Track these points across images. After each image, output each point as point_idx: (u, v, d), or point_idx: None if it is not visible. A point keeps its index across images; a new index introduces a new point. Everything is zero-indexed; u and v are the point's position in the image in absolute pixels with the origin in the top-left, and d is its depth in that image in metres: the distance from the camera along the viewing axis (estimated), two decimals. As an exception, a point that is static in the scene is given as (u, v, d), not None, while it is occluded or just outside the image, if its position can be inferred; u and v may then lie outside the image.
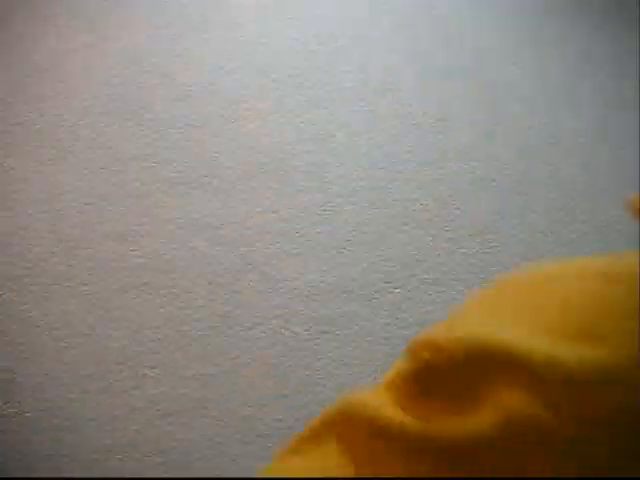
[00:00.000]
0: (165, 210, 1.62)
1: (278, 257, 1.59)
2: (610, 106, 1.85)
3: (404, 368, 0.47)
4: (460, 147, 1.78)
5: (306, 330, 1.53)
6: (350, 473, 0.48)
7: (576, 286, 0.50)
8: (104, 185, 1.59)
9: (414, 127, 1.76)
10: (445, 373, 0.45)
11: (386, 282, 1.72)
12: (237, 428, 1.46)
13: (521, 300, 0.49)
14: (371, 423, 0.48)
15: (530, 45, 1.82)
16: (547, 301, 0.49)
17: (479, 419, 0.42)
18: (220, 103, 1.66)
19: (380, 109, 1.75)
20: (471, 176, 1.78)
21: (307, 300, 1.50)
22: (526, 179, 1.80)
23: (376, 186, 1.73)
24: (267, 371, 1.50)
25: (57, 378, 1.52)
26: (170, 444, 1.45)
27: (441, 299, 1.75)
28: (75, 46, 1.60)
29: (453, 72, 1.78)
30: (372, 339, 1.61)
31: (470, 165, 1.78)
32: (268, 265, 1.58)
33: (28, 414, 1.54)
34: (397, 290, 1.72)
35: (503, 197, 1.79)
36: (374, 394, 0.50)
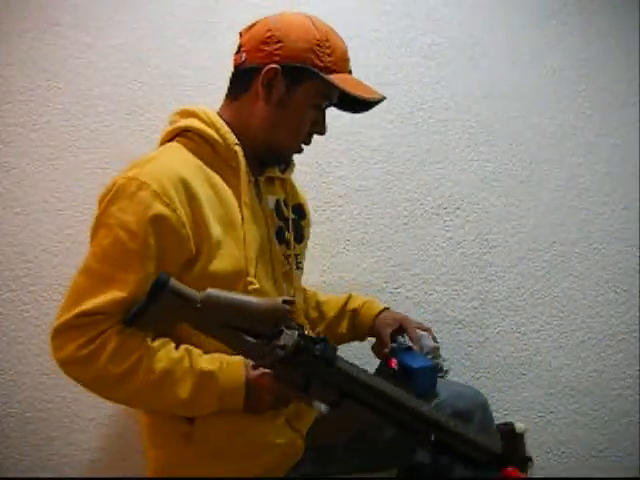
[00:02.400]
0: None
1: (278, 257, 1.58)
2: (612, 105, 1.85)
3: None
4: (460, 147, 1.78)
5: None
6: None
7: None
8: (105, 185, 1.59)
9: (414, 127, 1.76)
10: None
11: (386, 282, 1.72)
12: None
13: None
14: None
15: (533, 44, 1.82)
16: None
17: None
18: (220, 102, 1.66)
19: (380, 109, 1.74)
20: (471, 176, 1.77)
21: (307, 300, 1.50)
22: (526, 179, 1.80)
23: (376, 186, 1.73)
24: (267, 371, 1.50)
25: (57, 378, 1.52)
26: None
27: (441, 299, 1.75)
28: (77, 46, 1.59)
29: (454, 71, 1.78)
30: (372, 339, 1.61)
31: (470, 165, 1.78)
32: (268, 265, 1.57)
33: (28, 414, 1.54)
34: (397, 290, 1.72)
35: (503, 197, 1.79)
36: None
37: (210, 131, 1.17)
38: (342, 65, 1.20)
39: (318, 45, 1.16)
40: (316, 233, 1.55)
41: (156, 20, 1.63)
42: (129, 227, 1.05)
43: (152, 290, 1.00)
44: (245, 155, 1.18)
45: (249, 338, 1.00)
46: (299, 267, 1.31)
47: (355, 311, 1.43)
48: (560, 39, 1.83)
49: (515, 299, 1.77)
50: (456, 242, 1.76)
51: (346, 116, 1.71)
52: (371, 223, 1.73)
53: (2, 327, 1.54)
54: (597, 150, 1.83)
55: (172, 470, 1.16)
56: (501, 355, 1.76)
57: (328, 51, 1.17)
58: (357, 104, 1.25)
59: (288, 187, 1.33)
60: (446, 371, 1.34)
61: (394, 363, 1.27)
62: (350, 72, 1.24)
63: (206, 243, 1.09)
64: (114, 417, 1.56)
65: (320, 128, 1.24)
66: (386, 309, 1.42)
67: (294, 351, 1.00)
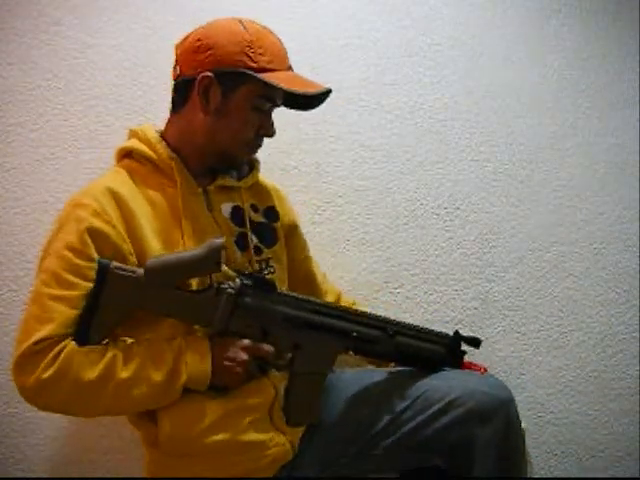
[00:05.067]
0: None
1: (278, 257, 1.58)
2: (612, 105, 1.85)
3: None
4: (460, 147, 1.78)
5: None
6: None
7: None
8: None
9: (414, 127, 1.76)
10: None
11: (386, 282, 1.72)
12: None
13: None
14: None
15: (532, 44, 1.82)
16: None
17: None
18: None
19: (380, 109, 1.75)
20: (471, 176, 1.78)
21: (307, 300, 1.50)
22: (526, 179, 1.80)
23: (376, 186, 1.73)
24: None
25: (57, 378, 1.52)
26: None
27: (441, 299, 1.75)
28: (76, 46, 1.59)
29: (454, 71, 1.78)
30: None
31: (470, 165, 1.78)
32: (268, 265, 1.57)
33: (28, 414, 1.54)
34: (397, 290, 1.73)
35: (503, 197, 1.79)
36: None
37: (145, 148, 1.20)
38: (278, 63, 1.17)
39: (249, 46, 1.14)
40: (316, 233, 1.55)
41: (156, 20, 1.63)
42: (73, 245, 1.07)
43: (98, 276, 1.04)
44: (190, 167, 1.20)
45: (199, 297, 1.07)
46: (270, 272, 1.26)
47: None
48: (560, 39, 1.83)
49: (515, 299, 1.77)
50: (456, 242, 1.76)
51: (346, 116, 1.72)
52: (371, 223, 1.73)
53: (2, 327, 1.54)
54: (597, 150, 1.83)
55: (154, 471, 1.17)
56: (501, 355, 1.76)
57: (260, 50, 1.14)
58: (305, 101, 1.23)
59: (259, 191, 1.33)
60: None
61: None
62: (290, 68, 1.21)
63: (147, 258, 1.11)
64: (114, 417, 1.56)
65: (267, 130, 1.23)
66: None
67: (241, 288, 1.08)
